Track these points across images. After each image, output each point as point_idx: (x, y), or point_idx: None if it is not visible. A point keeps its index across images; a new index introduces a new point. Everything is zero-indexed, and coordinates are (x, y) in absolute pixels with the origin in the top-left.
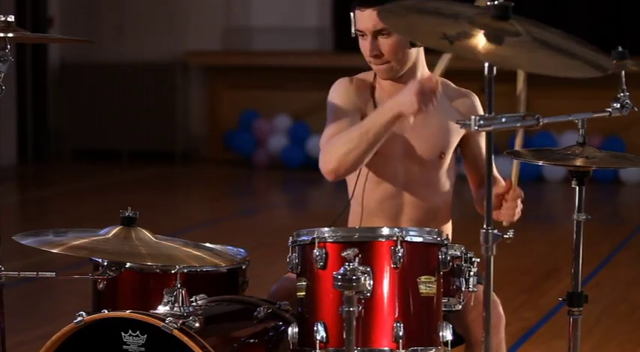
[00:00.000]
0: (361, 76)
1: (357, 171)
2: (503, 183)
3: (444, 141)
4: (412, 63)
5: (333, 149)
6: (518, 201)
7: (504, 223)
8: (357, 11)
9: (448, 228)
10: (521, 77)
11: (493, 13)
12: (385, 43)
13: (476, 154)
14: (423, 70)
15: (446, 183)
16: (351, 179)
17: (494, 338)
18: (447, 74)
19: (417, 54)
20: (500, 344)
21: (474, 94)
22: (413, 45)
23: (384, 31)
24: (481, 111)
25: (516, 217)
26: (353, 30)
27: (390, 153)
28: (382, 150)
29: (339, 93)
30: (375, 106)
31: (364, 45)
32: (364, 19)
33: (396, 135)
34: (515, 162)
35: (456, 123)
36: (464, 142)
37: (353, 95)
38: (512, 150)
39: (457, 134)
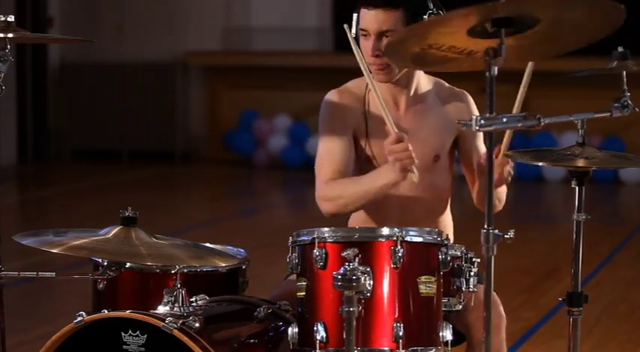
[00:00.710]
0: (352, 84)
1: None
2: None
3: (438, 144)
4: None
5: (331, 195)
6: (508, 167)
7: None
8: (362, 10)
9: (449, 228)
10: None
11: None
12: None
13: (472, 154)
14: (418, 75)
15: (442, 185)
16: None
17: (495, 338)
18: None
19: None
20: (501, 344)
21: (468, 94)
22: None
23: (389, 31)
24: (475, 111)
25: (506, 181)
26: (354, 30)
27: (385, 158)
28: (377, 156)
29: (329, 112)
30: (366, 118)
31: (366, 45)
32: (370, 19)
33: None
34: (508, 132)
35: (457, 123)
36: (459, 143)
37: (342, 111)
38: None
39: (450, 135)
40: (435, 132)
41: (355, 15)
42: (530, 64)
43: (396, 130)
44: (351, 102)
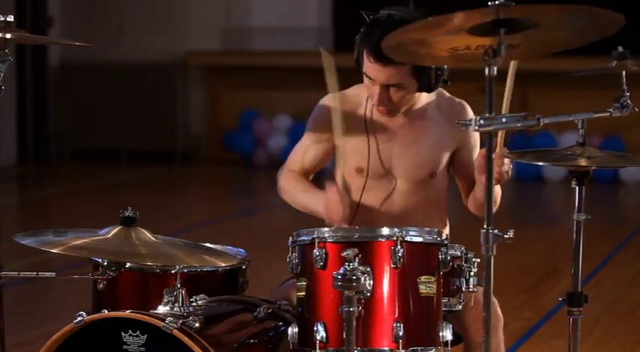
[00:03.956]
0: (353, 92)
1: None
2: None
3: (434, 161)
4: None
5: (284, 189)
6: (506, 160)
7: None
8: (366, 60)
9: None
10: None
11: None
12: (396, 95)
13: (467, 164)
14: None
15: (438, 200)
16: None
17: (492, 339)
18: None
19: None
20: (498, 344)
21: (467, 105)
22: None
23: (396, 83)
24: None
25: (504, 178)
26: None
27: (381, 173)
28: (374, 164)
29: (320, 116)
30: (366, 124)
31: (371, 89)
32: (376, 71)
33: (386, 155)
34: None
35: (457, 123)
36: (455, 156)
37: (328, 120)
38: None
39: (448, 151)
40: (432, 149)
41: (356, 51)
42: (512, 63)
43: (340, 185)
44: (353, 106)
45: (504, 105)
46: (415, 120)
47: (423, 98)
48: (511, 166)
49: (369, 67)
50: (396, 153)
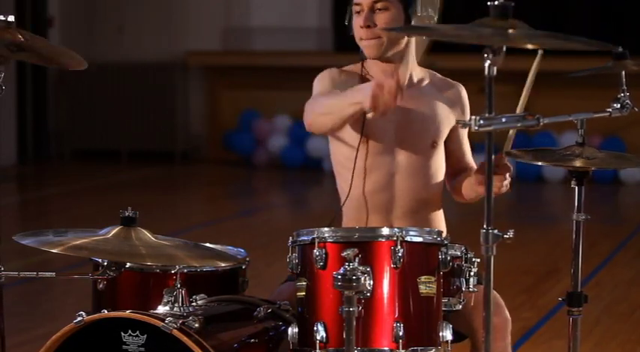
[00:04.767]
0: (349, 67)
1: (352, 165)
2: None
3: (435, 130)
4: (402, 47)
5: (311, 106)
6: (507, 175)
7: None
8: None
9: (440, 218)
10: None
11: (493, 13)
12: (380, 17)
13: (455, 146)
14: (411, 59)
15: (437, 173)
16: (341, 175)
17: (500, 342)
18: (447, 74)
19: (408, 39)
20: (506, 347)
21: (462, 85)
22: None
23: (381, 4)
24: (467, 103)
25: (503, 189)
26: (347, 22)
27: (382, 142)
28: (373, 139)
29: (326, 79)
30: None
31: (358, 21)
32: None
33: (387, 123)
34: (511, 132)
35: (456, 122)
36: (451, 131)
37: (340, 84)
38: (513, 150)
39: (448, 124)
40: (432, 117)
41: (349, 8)
42: (539, 54)
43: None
44: (349, 76)
45: (521, 102)
46: (411, 90)
47: (417, 73)
48: (510, 180)
49: None
50: (397, 121)
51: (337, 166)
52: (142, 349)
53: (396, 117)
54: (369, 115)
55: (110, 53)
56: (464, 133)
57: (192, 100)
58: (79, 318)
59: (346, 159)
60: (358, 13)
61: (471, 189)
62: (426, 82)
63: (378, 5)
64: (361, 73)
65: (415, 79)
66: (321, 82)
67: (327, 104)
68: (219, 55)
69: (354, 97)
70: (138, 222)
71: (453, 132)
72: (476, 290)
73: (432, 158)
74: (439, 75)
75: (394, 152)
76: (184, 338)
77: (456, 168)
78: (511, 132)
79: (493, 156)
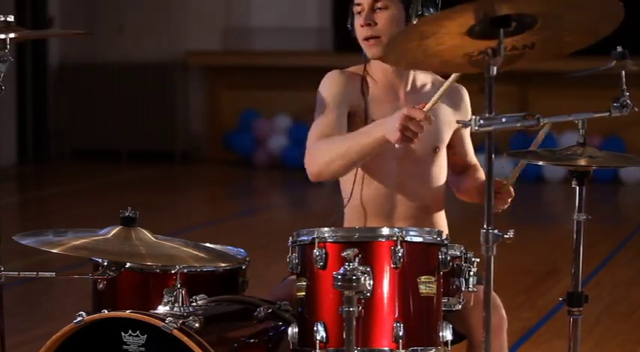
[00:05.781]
0: (352, 69)
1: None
2: (482, 172)
3: (438, 136)
4: None
5: (317, 153)
6: (508, 200)
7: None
8: None
9: (443, 223)
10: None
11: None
12: (381, 16)
13: (458, 146)
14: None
15: (439, 178)
16: (344, 178)
17: (496, 340)
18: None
19: None
20: (502, 346)
21: (464, 88)
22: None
23: (382, 3)
24: (469, 106)
25: (503, 208)
26: (349, 25)
27: (384, 149)
28: None
29: (330, 85)
30: (365, 99)
31: (359, 21)
32: None
33: None
34: (521, 163)
35: (457, 122)
36: (454, 133)
37: (343, 87)
38: (514, 150)
39: (450, 128)
40: (434, 123)
41: (350, 9)
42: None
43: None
44: (352, 79)
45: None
46: (415, 95)
47: (420, 77)
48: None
49: None
50: None
51: None
52: (142, 349)
53: None
54: (397, 146)
55: (110, 53)
56: (466, 132)
57: (192, 100)
58: (79, 318)
59: None
60: (359, 13)
61: (478, 196)
62: (428, 85)
63: (379, 4)
64: (363, 74)
65: (418, 83)
66: (327, 91)
67: (339, 150)
68: (219, 55)
69: (376, 133)
70: (138, 222)
71: (456, 132)
72: (475, 290)
73: (434, 164)
74: (440, 78)
75: (396, 158)
76: (185, 338)
77: (459, 167)
78: (520, 163)
79: (501, 180)
